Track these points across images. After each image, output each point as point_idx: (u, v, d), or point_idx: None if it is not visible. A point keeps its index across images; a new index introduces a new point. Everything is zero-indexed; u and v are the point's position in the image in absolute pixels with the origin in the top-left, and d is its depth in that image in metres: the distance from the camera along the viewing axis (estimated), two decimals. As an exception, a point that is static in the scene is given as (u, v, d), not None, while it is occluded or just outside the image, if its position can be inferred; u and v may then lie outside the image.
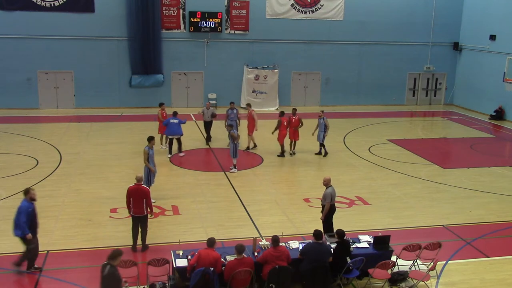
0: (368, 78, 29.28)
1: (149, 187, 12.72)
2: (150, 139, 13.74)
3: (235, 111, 19.38)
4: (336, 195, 11.58)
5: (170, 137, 18.25)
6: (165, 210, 13.30)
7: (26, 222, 9.85)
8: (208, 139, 20.10)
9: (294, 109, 19.04)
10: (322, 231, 10.12)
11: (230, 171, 16.71)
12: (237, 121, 19.21)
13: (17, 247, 11.14)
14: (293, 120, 18.57)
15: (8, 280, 9.87)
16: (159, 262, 9.38)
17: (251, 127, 19.10)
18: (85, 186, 15.10)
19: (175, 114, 18.37)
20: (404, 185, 15.98)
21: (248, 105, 19.89)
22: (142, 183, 11.38)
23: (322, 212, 11.49)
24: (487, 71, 27.76)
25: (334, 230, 10.49)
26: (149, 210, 11.04)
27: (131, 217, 11.06)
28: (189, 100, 27.33)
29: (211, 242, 9.17)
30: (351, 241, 10.24)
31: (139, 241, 11.10)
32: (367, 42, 28.83)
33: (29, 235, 9.85)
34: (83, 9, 25.15)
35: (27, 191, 10.10)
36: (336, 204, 11.59)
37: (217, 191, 15.02)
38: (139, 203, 10.83)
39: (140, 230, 11.05)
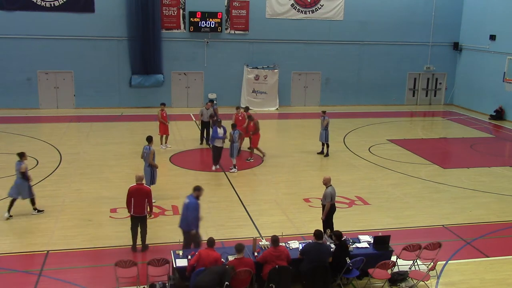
0: (368, 78, 29.26)
1: (150, 187, 12.76)
2: (150, 138, 13.78)
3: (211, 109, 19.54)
4: (336, 195, 11.58)
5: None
6: (165, 210, 13.29)
7: (196, 218, 10.19)
8: (202, 139, 19.94)
9: (250, 116, 18.47)
10: (323, 231, 10.12)
11: (230, 171, 16.71)
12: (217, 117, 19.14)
13: (17, 246, 11.19)
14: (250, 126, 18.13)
15: (8, 280, 9.85)
16: (159, 262, 9.37)
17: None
18: (85, 186, 15.10)
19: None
20: (404, 185, 15.98)
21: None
22: (144, 182, 11.37)
23: (322, 211, 11.50)
24: (487, 71, 27.75)
25: (333, 231, 10.48)
26: (149, 210, 11.03)
27: (130, 217, 11.06)
28: (189, 100, 27.32)
29: (211, 242, 9.17)
30: (350, 241, 10.25)
31: (139, 241, 11.08)
32: (367, 42, 28.82)
33: (193, 231, 10.17)
34: (83, 9, 25.13)
35: (198, 188, 10.39)
36: (336, 204, 11.59)
37: (217, 191, 15.01)
38: (140, 202, 10.81)
39: (139, 230, 11.04)
